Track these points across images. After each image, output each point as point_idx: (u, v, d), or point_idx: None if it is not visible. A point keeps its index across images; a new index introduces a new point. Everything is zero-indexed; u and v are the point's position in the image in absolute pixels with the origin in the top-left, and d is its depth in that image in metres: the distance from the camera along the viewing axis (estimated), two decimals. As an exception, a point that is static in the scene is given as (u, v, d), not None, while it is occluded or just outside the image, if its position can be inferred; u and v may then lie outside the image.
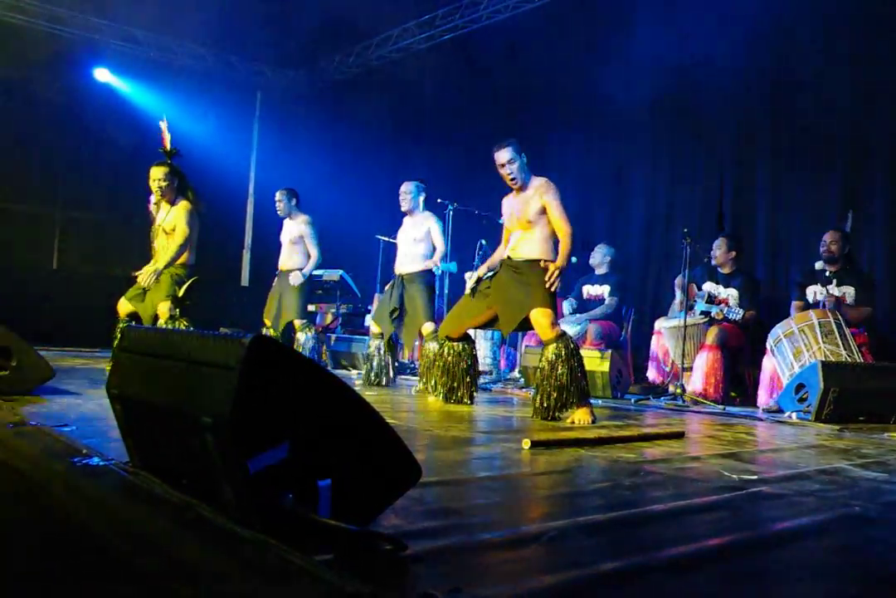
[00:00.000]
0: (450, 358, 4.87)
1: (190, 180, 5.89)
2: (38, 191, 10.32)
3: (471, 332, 5.08)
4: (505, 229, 4.84)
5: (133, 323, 5.61)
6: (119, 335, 5.46)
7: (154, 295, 5.59)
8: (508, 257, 4.60)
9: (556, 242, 4.51)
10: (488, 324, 4.80)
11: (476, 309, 4.70)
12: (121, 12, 9.84)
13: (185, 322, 5.40)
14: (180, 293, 5.49)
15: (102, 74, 10.65)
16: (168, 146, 5.84)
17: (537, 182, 4.53)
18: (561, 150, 8.65)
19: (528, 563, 1.44)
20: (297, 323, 6.97)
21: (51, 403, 3.61)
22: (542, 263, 4.43)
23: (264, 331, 7.05)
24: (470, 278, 4.83)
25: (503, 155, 4.47)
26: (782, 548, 1.66)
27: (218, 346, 1.55)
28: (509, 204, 4.68)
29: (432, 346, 5.71)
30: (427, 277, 6.26)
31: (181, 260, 5.69)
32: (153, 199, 5.93)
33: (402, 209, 6.38)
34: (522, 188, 4.55)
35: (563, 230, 4.42)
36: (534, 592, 1.26)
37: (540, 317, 4.28)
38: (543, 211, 4.46)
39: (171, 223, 5.69)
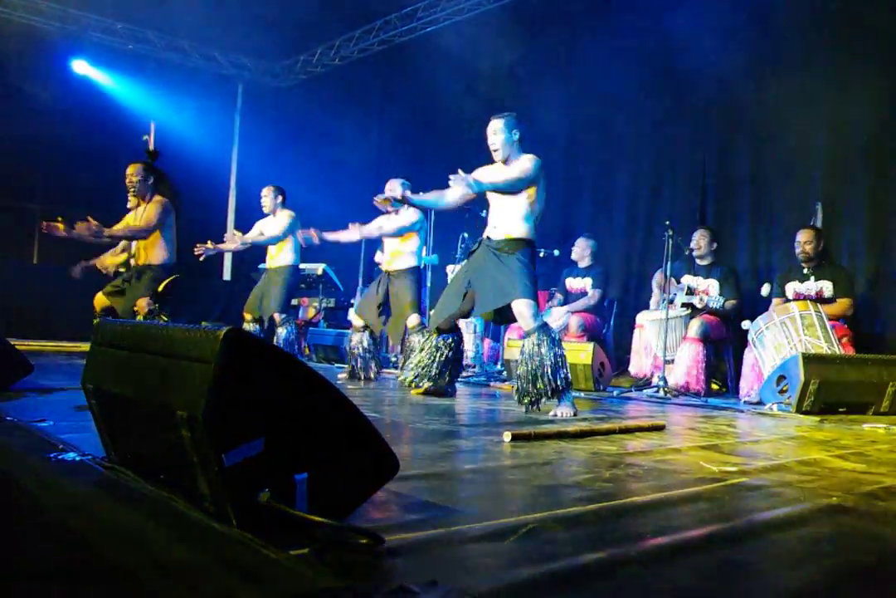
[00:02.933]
0: (435, 350, 4.84)
1: (172, 181, 5.85)
2: (17, 185, 10.24)
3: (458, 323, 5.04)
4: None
5: (108, 318, 5.58)
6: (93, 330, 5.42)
7: (134, 291, 5.57)
8: (488, 237, 4.54)
9: (535, 219, 4.47)
10: (471, 310, 4.73)
11: (457, 296, 4.65)
12: (100, 3, 9.75)
13: (164, 317, 5.37)
14: (160, 289, 5.47)
15: (81, 67, 10.56)
16: (152, 147, 5.81)
17: (528, 156, 4.46)
18: (544, 142, 8.64)
19: (506, 556, 1.44)
20: (278, 318, 6.93)
21: (29, 398, 3.58)
22: (522, 245, 4.41)
23: (245, 325, 7.02)
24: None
25: (494, 124, 4.48)
26: (761, 539, 1.67)
27: (193, 339, 1.54)
28: (491, 171, 4.56)
29: (417, 338, 5.70)
30: (414, 273, 6.24)
31: (159, 261, 5.66)
32: (130, 202, 5.90)
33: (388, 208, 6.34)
34: (505, 162, 4.51)
35: (509, 175, 4.34)
36: (511, 585, 1.26)
37: (522, 307, 4.25)
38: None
39: (142, 218, 5.67)
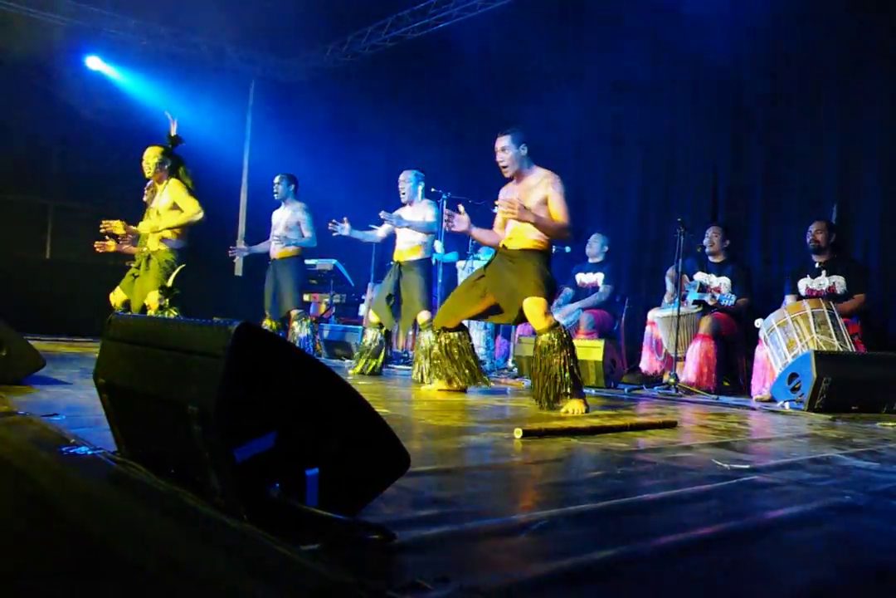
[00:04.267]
0: (445, 348, 4.85)
1: (189, 169, 5.87)
2: (30, 180, 10.28)
3: (464, 322, 5.07)
4: (500, 218, 4.80)
5: (120, 312, 5.60)
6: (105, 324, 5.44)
7: (143, 284, 5.58)
8: (504, 246, 4.58)
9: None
10: (483, 314, 4.77)
11: (471, 300, 4.68)
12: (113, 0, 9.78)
13: (174, 311, 5.38)
14: (169, 283, 5.48)
15: (94, 63, 10.59)
16: (174, 133, 5.83)
17: (543, 173, 4.49)
18: (557, 139, 8.62)
19: (517, 552, 1.43)
20: (293, 313, 6.96)
21: (41, 392, 3.59)
22: (537, 253, 4.44)
23: (265, 323, 7.05)
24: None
25: (500, 142, 4.48)
26: (773, 537, 1.66)
27: (204, 334, 1.54)
28: (509, 192, 4.62)
29: (427, 336, 5.70)
30: (425, 265, 6.25)
31: (170, 245, 5.67)
32: (146, 196, 5.92)
33: (402, 199, 6.36)
34: (518, 178, 4.54)
35: (559, 222, 4.36)
36: (523, 581, 1.25)
37: (532, 306, 4.26)
38: (545, 202, 4.42)
39: (166, 204, 5.69)
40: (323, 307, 9.45)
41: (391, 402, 4.29)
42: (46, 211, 10.61)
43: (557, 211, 4.37)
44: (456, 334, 4.86)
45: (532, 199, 4.40)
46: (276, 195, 7.12)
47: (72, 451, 1.88)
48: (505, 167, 4.49)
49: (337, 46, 11.04)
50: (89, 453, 1.88)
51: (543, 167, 4.55)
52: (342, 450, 1.56)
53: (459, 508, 1.76)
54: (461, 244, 7.95)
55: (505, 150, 4.45)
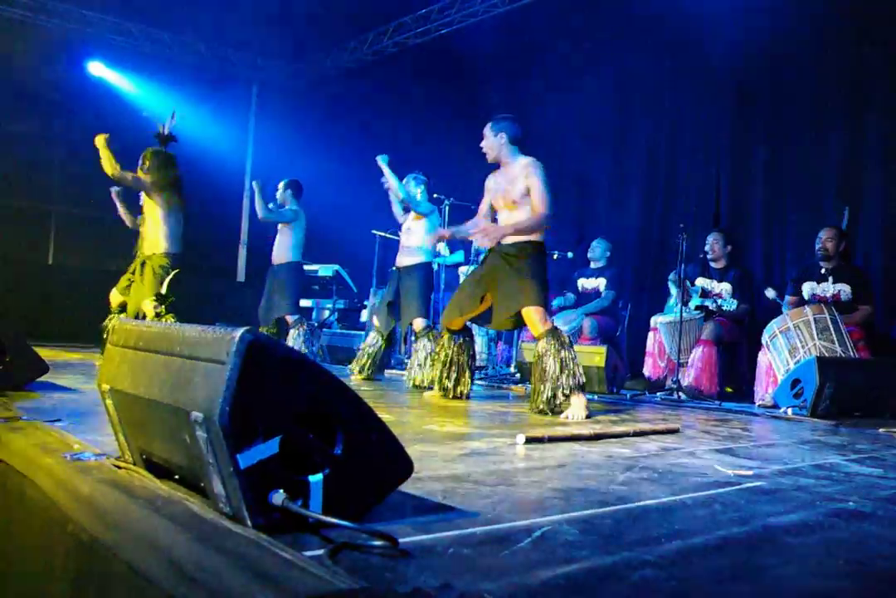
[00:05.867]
0: (450, 351, 4.84)
1: (180, 170, 5.90)
2: (33, 186, 10.28)
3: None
4: (486, 205, 4.84)
5: (124, 315, 5.64)
6: (109, 329, 5.48)
7: (139, 292, 5.59)
8: (498, 243, 4.59)
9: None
10: (486, 312, 4.74)
11: (474, 299, 4.68)
12: (115, 5, 9.80)
13: (170, 318, 5.37)
14: (163, 290, 5.48)
15: (96, 68, 10.61)
16: (165, 131, 5.85)
17: (524, 162, 4.55)
18: (559, 144, 8.63)
19: (519, 558, 1.43)
20: (290, 319, 6.92)
21: (44, 398, 3.60)
22: (531, 249, 4.49)
23: (261, 328, 7.04)
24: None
25: (485, 129, 4.68)
26: (777, 543, 1.66)
27: (209, 340, 1.54)
28: (496, 181, 4.71)
29: (423, 342, 5.69)
30: (424, 270, 6.23)
31: (163, 249, 5.70)
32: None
33: (402, 203, 6.37)
34: (501, 166, 4.66)
35: (537, 211, 4.42)
36: (525, 587, 1.25)
37: (531, 314, 4.30)
38: (528, 192, 4.48)
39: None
40: (325, 313, 9.46)
41: (394, 408, 4.29)
42: (49, 216, 10.62)
43: (536, 200, 4.44)
44: (461, 338, 4.86)
45: (516, 190, 4.50)
46: (280, 201, 7.16)
47: (76, 456, 1.89)
48: (485, 153, 4.69)
49: (339, 51, 11.05)
50: (93, 458, 1.89)
51: (527, 155, 4.61)
52: (345, 456, 1.57)
53: (462, 514, 1.75)
54: (464, 248, 7.96)
55: (485, 137, 4.66)
